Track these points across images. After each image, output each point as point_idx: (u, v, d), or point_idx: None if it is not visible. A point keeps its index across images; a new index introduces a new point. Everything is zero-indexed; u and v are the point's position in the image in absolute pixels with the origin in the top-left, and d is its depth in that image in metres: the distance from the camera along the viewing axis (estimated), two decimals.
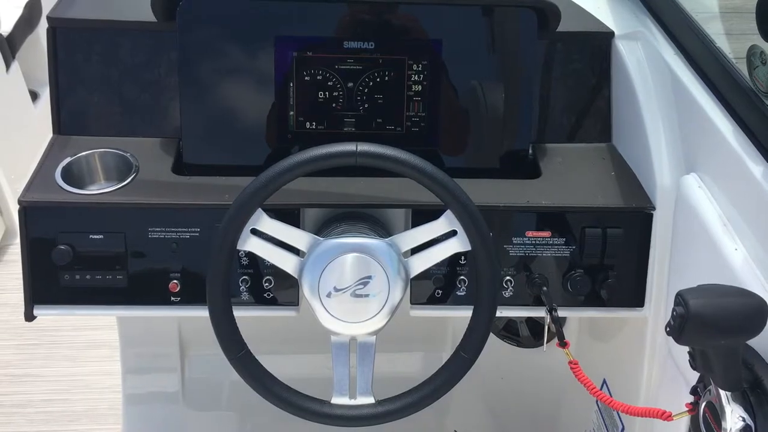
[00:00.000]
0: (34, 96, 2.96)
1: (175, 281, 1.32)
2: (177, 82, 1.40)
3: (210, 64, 1.39)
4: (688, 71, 1.35)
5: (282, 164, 1.15)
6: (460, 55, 1.40)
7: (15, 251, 2.52)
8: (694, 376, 1.10)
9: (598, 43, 1.46)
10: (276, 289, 1.33)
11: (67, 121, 1.43)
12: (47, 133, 2.79)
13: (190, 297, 1.33)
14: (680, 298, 0.96)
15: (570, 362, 1.27)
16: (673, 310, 0.97)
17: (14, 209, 2.63)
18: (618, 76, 1.46)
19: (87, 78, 1.43)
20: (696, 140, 1.30)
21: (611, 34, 1.46)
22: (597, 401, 1.63)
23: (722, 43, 1.36)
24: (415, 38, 1.40)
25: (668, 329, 0.98)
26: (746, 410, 0.98)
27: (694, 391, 1.10)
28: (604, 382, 1.60)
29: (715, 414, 1.01)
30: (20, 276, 1.30)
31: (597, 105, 1.48)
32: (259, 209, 1.17)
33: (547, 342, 1.43)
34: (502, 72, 1.42)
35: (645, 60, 1.42)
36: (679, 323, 0.96)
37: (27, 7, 2.86)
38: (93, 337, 2.31)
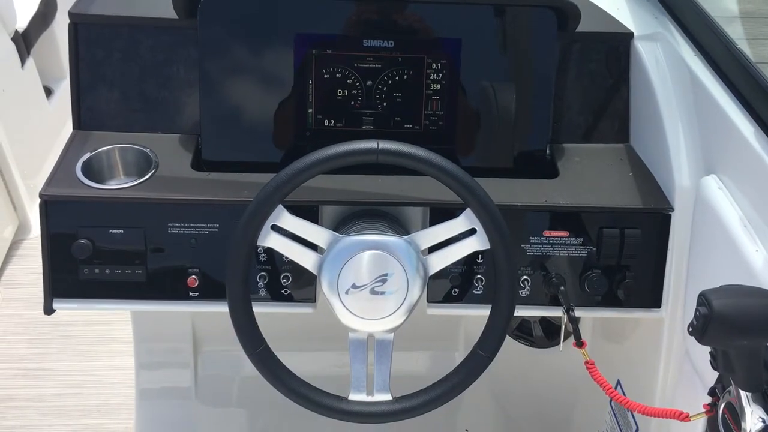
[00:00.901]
0: (48, 92, 2.98)
1: (193, 276, 1.32)
2: (197, 79, 1.41)
3: (230, 61, 1.39)
4: (708, 72, 1.35)
5: (304, 161, 1.15)
6: (479, 54, 1.40)
7: (29, 246, 2.52)
8: (710, 378, 1.10)
9: (617, 44, 1.46)
10: (293, 285, 1.34)
11: (88, 117, 1.43)
12: (61, 129, 2.82)
13: (208, 292, 1.33)
14: (703, 299, 0.96)
15: (586, 362, 1.27)
16: (697, 310, 0.97)
17: (28, 205, 2.65)
18: (637, 76, 1.46)
19: (107, 74, 1.43)
20: (716, 141, 1.30)
21: (630, 34, 1.46)
22: (611, 402, 1.62)
23: (740, 46, 1.36)
24: (434, 37, 1.40)
25: (691, 329, 0.98)
26: (767, 411, 0.98)
27: (712, 392, 1.09)
28: (618, 383, 1.59)
29: (735, 415, 1.01)
30: (34, 271, 1.32)
31: (615, 105, 1.48)
32: (280, 205, 1.17)
33: (563, 341, 1.43)
34: (521, 71, 1.42)
35: (664, 60, 1.42)
36: (702, 323, 0.95)
37: (42, 3, 2.87)
38: (105, 332, 2.32)
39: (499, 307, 1.20)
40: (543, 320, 1.82)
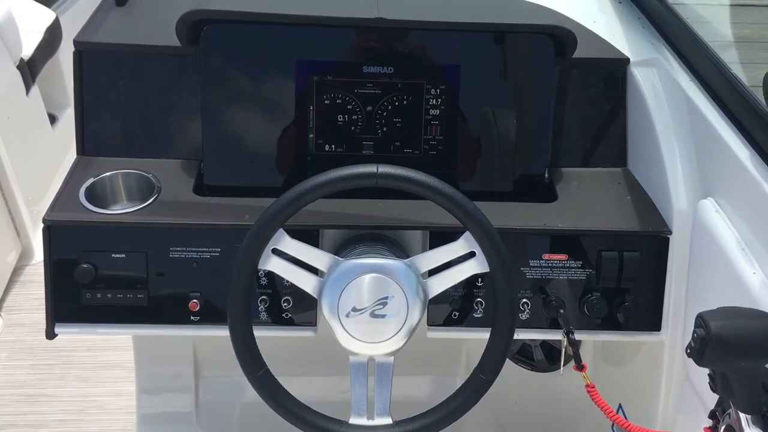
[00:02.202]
0: (53, 119, 3.00)
1: (195, 300, 1.32)
2: (199, 105, 1.42)
3: (232, 87, 1.40)
4: (704, 97, 1.36)
5: (304, 185, 1.15)
6: (478, 80, 1.42)
7: (31, 272, 2.53)
8: (711, 401, 1.09)
9: (614, 69, 1.48)
10: (294, 309, 1.34)
11: (91, 143, 1.44)
12: (65, 156, 2.83)
13: (209, 316, 1.33)
14: (701, 320, 0.96)
15: (587, 386, 1.27)
16: (694, 332, 0.97)
17: (31, 230, 2.66)
18: (633, 101, 1.47)
19: (111, 100, 1.45)
20: (712, 165, 1.31)
21: (626, 60, 1.48)
22: (613, 426, 1.60)
23: (735, 70, 1.37)
24: (434, 63, 1.42)
25: (689, 351, 0.98)
26: None
27: (712, 415, 1.09)
28: (620, 406, 1.59)
29: None
30: (37, 297, 1.32)
31: (612, 130, 1.49)
32: (281, 229, 1.18)
33: (563, 365, 1.42)
34: (519, 97, 1.44)
35: (660, 86, 1.44)
36: (700, 345, 0.95)
37: (48, 31, 2.91)
38: (107, 358, 2.31)
39: (499, 330, 1.20)
40: (544, 344, 1.82)
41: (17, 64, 2.68)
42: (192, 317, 1.33)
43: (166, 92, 1.44)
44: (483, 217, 1.16)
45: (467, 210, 1.16)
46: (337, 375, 1.54)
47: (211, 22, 1.38)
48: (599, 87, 1.49)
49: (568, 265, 1.32)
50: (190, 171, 1.43)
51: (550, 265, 1.33)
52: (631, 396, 1.55)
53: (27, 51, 2.77)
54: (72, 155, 1.46)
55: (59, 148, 2.90)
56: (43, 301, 1.32)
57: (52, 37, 2.94)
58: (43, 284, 1.32)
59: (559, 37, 1.40)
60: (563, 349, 1.36)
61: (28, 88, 2.74)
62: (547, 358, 1.81)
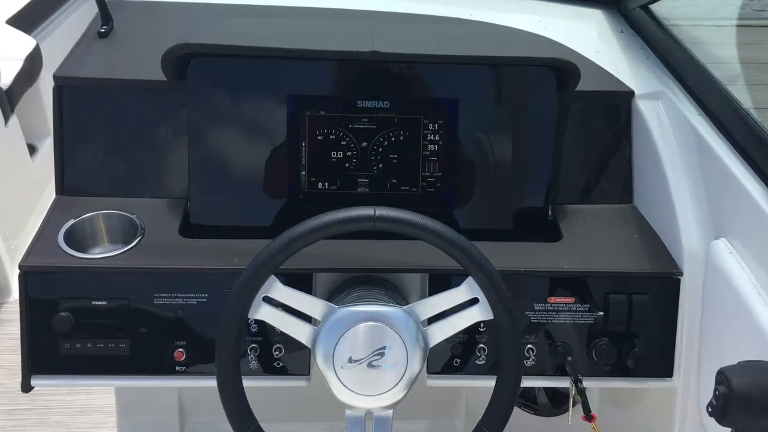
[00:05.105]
0: (32, 149, 2.93)
1: (180, 350, 1.27)
2: (185, 142, 1.38)
3: (220, 123, 1.36)
4: (713, 132, 1.32)
5: (297, 230, 1.11)
6: (477, 114, 1.39)
7: (9, 310, 2.44)
8: None
9: (618, 103, 1.45)
10: (286, 357, 1.29)
11: (71, 182, 1.39)
12: (45, 188, 2.74)
13: (196, 366, 1.28)
14: (722, 377, 0.92)
15: None
16: (716, 389, 0.92)
17: (9, 267, 2.57)
18: (639, 135, 1.44)
19: (93, 137, 1.40)
20: (724, 203, 1.27)
21: (631, 93, 1.45)
22: None
23: (745, 94, 1.33)
24: (431, 97, 1.39)
25: (710, 410, 0.93)
26: None
27: None
28: None
29: None
30: (13, 336, 1.28)
31: (618, 165, 1.46)
32: (272, 276, 1.13)
33: (571, 409, 1.37)
34: (520, 132, 1.40)
35: (667, 119, 1.40)
36: (722, 403, 0.91)
37: (27, 60, 2.84)
38: (86, 402, 2.22)
39: (504, 380, 1.16)
40: (548, 387, 1.76)
41: None
42: (177, 367, 1.28)
43: (151, 128, 1.40)
44: (487, 263, 1.12)
45: (470, 255, 1.12)
46: (331, 421, 1.47)
47: (199, 56, 1.34)
48: (603, 120, 1.46)
49: (574, 308, 1.29)
50: (175, 211, 1.38)
51: (555, 308, 1.29)
52: None
53: (6, 80, 2.70)
54: (52, 188, 1.40)
55: (38, 179, 2.82)
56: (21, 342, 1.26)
57: (32, 65, 2.87)
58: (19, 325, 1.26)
59: (562, 69, 1.38)
60: (570, 397, 1.31)
61: (6, 118, 2.68)
62: (551, 402, 1.75)
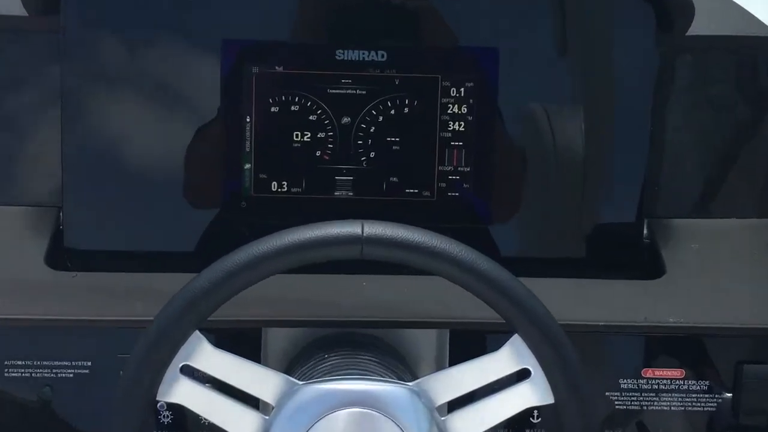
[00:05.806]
0: None
1: None
2: (56, 116, 1.12)
3: (113, 87, 1.11)
4: None
5: (236, 257, 0.89)
6: (528, 74, 1.13)
7: None
8: None
9: (754, 53, 1.20)
10: None
11: None
12: None
13: None
14: None
15: None
16: None
17: None
18: None
19: None
20: None
21: None
22: None
23: None
24: (455, 46, 1.12)
25: None
26: None
27: None
28: None
29: None
30: None
31: (755, 157, 1.21)
32: (197, 332, 0.90)
33: None
34: (596, 102, 1.16)
35: None
36: None
37: None
38: None
39: None
40: None
41: None
42: None
43: (1, 95, 1.16)
44: (545, 313, 0.91)
45: (518, 300, 0.90)
46: None
47: None
48: (732, 86, 1.19)
49: (684, 386, 1.11)
50: (40, 226, 1.13)
51: (655, 386, 1.11)
52: None
53: None
54: None
55: None
56: None
57: None
58: None
59: (664, 1, 1.10)
60: None
61: None
62: None
